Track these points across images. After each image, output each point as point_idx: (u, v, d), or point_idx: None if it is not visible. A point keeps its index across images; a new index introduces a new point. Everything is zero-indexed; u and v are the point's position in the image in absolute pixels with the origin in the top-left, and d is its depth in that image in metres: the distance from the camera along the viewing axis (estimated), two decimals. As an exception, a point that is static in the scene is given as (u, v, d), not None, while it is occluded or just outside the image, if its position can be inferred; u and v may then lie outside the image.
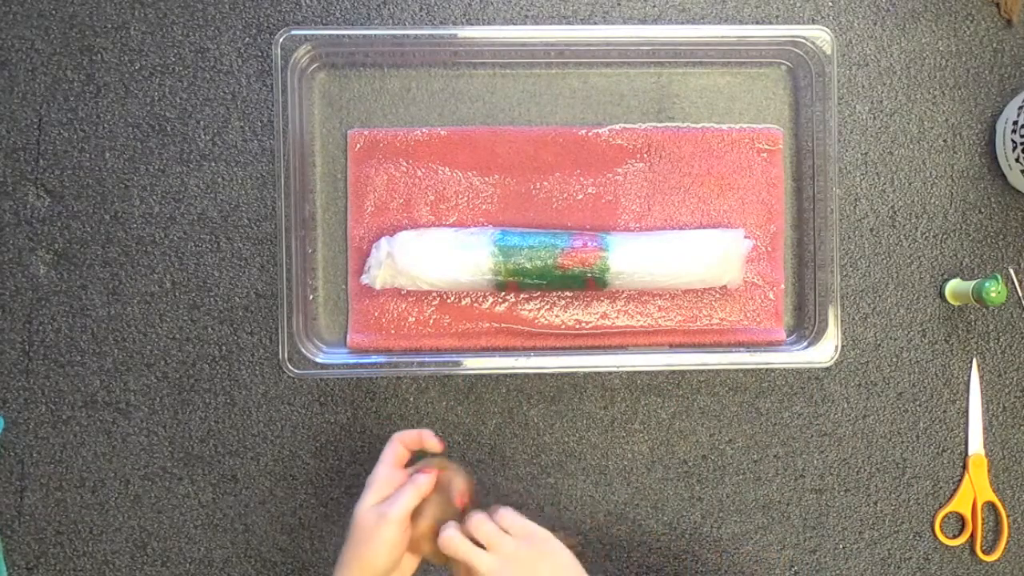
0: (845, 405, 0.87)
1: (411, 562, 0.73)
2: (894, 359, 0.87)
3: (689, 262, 0.82)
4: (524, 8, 0.87)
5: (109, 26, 0.85)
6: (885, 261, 0.87)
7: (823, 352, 0.83)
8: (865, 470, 0.87)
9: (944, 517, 0.88)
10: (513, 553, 0.68)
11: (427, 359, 0.83)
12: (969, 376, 0.88)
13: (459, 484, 0.74)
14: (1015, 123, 0.84)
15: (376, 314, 0.85)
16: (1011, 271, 0.88)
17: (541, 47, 0.84)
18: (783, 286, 0.86)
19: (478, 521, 0.70)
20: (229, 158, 0.85)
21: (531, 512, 0.86)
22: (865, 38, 0.87)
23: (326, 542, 0.86)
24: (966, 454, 0.87)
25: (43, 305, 0.85)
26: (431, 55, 0.85)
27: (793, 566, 0.87)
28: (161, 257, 0.85)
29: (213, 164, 0.85)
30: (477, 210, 0.85)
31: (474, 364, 0.82)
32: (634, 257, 0.81)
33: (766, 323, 0.86)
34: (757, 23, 0.87)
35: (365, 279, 0.83)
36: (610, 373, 0.86)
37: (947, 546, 0.87)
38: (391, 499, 0.70)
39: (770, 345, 0.85)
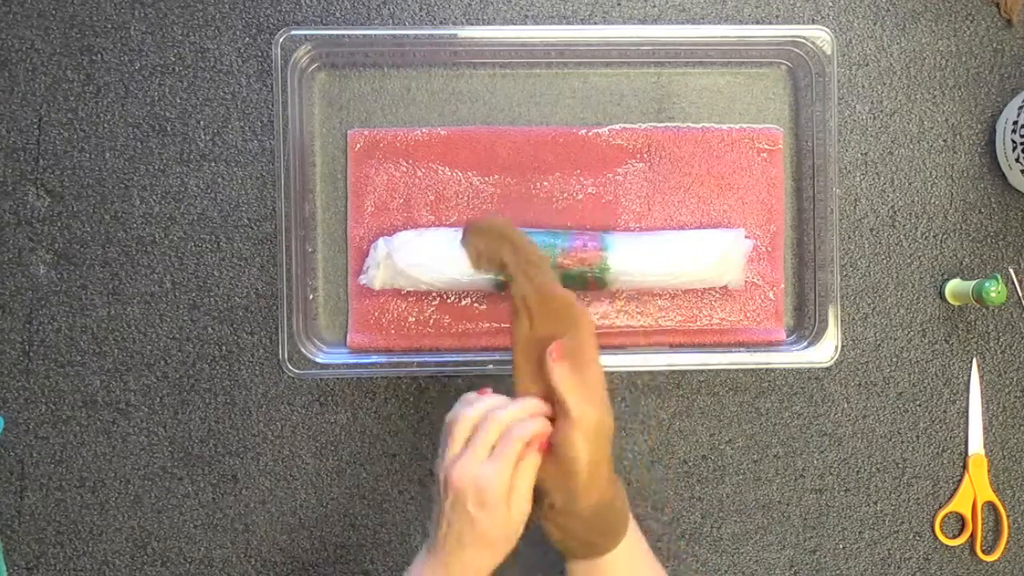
0: (845, 405, 0.87)
1: None
2: (894, 359, 0.87)
3: (689, 262, 0.82)
4: (524, 8, 0.87)
5: (109, 26, 0.85)
6: (885, 261, 0.87)
7: (823, 352, 0.83)
8: (865, 470, 0.87)
9: (944, 517, 0.88)
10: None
11: (427, 359, 0.83)
12: (969, 376, 0.88)
13: None
14: (1015, 123, 0.84)
15: (376, 314, 0.85)
16: (1011, 271, 0.88)
17: (541, 47, 0.84)
18: (783, 286, 0.86)
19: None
20: (229, 158, 0.85)
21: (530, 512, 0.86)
22: (865, 38, 0.87)
23: (326, 542, 0.86)
24: (966, 454, 0.88)
25: (43, 305, 0.85)
26: (431, 55, 0.85)
27: (793, 566, 0.87)
28: (161, 257, 0.85)
29: (213, 164, 0.85)
30: (477, 210, 0.85)
31: (474, 364, 0.82)
32: (634, 257, 0.81)
33: (766, 323, 0.86)
34: (757, 23, 0.87)
35: (364, 280, 0.83)
36: (610, 373, 0.86)
37: (947, 546, 0.87)
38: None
39: (770, 345, 0.85)
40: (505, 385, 0.86)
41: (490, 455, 0.64)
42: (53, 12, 0.85)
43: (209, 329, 0.85)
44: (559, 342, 0.66)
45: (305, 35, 0.82)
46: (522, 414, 0.66)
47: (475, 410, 0.66)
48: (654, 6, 0.87)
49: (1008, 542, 0.87)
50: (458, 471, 0.64)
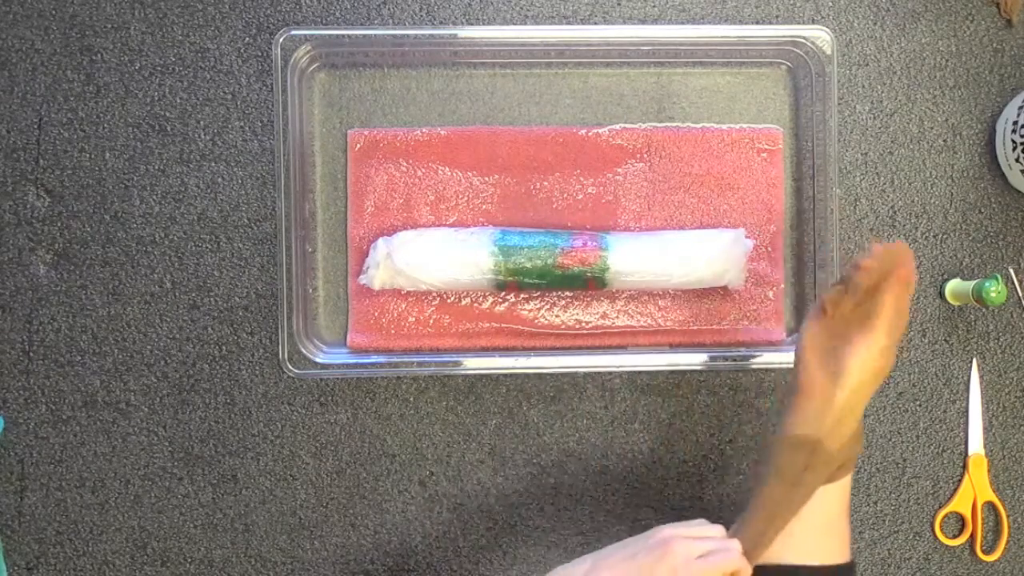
0: (845, 405, 0.87)
1: None
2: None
3: (689, 262, 0.82)
4: (524, 8, 0.87)
5: (109, 26, 0.85)
6: (885, 261, 0.87)
7: (823, 352, 0.83)
8: (865, 470, 0.87)
9: (944, 517, 0.88)
10: None
11: (427, 359, 0.83)
12: (969, 376, 0.88)
13: None
14: (1015, 123, 0.84)
15: (376, 314, 0.85)
16: (1011, 271, 0.88)
17: (541, 47, 0.84)
18: (783, 286, 0.86)
19: None
20: (229, 158, 0.85)
21: (531, 512, 0.86)
22: (865, 38, 0.87)
23: (326, 542, 0.86)
24: (966, 454, 0.87)
25: (43, 305, 0.85)
26: (431, 55, 0.85)
27: (793, 566, 0.87)
28: (161, 257, 0.85)
29: (213, 164, 0.85)
30: (477, 210, 0.85)
31: (474, 364, 0.82)
32: (634, 257, 0.81)
33: (766, 323, 0.86)
34: (757, 23, 0.87)
35: (363, 280, 0.83)
36: (610, 373, 0.86)
37: (947, 546, 0.87)
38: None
39: (770, 345, 0.85)
40: (505, 384, 0.86)
41: (704, 556, 0.67)
42: (53, 12, 0.85)
43: (209, 329, 0.85)
44: (909, 270, 0.67)
45: (305, 35, 0.82)
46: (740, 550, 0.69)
47: (721, 531, 0.70)
48: (654, 6, 0.87)
49: (1008, 542, 0.87)
50: (682, 548, 0.66)
